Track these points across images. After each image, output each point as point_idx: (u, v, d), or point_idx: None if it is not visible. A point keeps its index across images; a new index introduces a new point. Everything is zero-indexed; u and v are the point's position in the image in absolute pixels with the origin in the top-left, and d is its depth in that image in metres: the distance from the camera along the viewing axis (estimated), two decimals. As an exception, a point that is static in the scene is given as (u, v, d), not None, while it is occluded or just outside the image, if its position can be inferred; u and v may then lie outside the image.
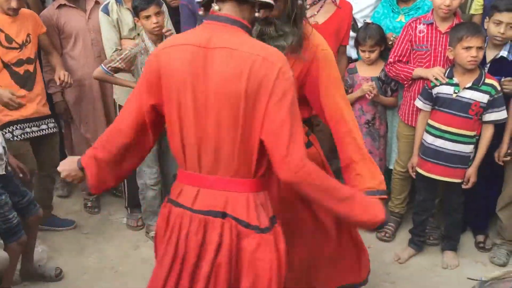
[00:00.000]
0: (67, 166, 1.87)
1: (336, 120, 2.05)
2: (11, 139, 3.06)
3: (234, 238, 1.65)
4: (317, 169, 1.65)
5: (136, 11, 3.09)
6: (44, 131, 3.27)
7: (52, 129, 3.34)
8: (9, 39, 3.07)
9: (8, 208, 2.62)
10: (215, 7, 1.64)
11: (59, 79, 3.25)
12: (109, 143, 1.83)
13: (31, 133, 3.21)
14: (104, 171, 1.83)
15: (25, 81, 3.16)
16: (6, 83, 3.07)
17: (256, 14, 1.68)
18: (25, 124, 3.16)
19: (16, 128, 3.13)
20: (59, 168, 1.87)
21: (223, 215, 1.66)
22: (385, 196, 2.01)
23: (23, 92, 3.13)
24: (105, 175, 1.84)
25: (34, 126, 3.22)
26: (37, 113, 3.22)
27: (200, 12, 1.74)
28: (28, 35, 3.17)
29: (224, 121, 1.60)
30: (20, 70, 3.13)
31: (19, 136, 3.14)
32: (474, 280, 2.84)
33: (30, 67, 3.19)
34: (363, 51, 3.33)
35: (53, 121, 3.36)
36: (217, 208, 1.66)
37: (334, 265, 2.32)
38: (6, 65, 3.08)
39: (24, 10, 3.22)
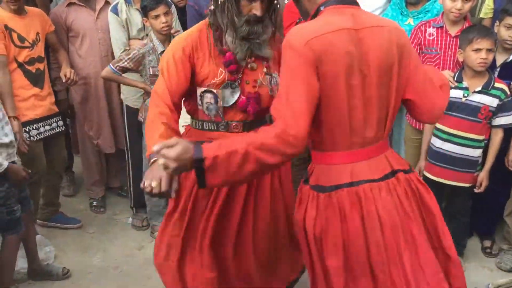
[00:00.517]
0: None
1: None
2: (27, 139, 3.07)
3: (410, 186, 1.81)
4: None
5: (145, 11, 3.10)
6: (54, 129, 3.31)
7: (61, 127, 3.37)
8: (21, 38, 3.09)
9: (15, 199, 2.65)
10: None
11: (65, 76, 3.26)
12: None
13: (44, 133, 3.24)
14: None
15: (37, 80, 3.19)
16: (20, 82, 3.10)
17: None
18: (39, 123, 3.20)
19: (33, 128, 3.16)
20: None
21: (393, 172, 1.80)
22: None
23: (36, 90, 3.17)
24: None
25: (46, 125, 3.26)
26: (48, 111, 3.25)
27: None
28: (37, 33, 3.19)
29: (384, 90, 1.74)
30: (32, 68, 3.16)
31: (35, 136, 3.16)
32: (481, 288, 2.82)
33: (41, 66, 3.22)
34: None
35: (61, 118, 3.39)
36: (388, 170, 1.79)
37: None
38: (20, 64, 3.10)
39: (32, 9, 3.24)
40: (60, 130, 3.37)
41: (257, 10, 2.02)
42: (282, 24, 3.17)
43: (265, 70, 2.19)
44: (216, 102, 2.16)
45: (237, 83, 2.16)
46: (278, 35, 2.25)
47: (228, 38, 2.11)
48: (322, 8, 1.74)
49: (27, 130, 3.12)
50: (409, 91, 1.81)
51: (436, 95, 1.87)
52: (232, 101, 2.17)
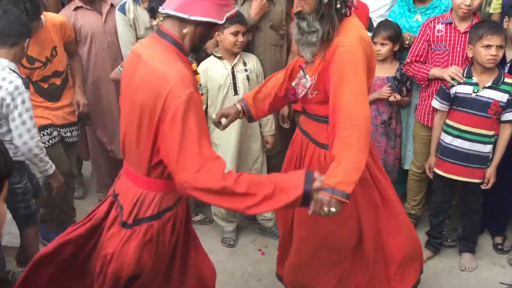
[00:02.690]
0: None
1: (332, 113, 2.04)
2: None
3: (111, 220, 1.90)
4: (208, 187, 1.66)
5: (153, 12, 3.09)
6: (70, 138, 3.29)
7: (76, 138, 3.36)
8: (31, 60, 3.00)
9: (30, 194, 2.66)
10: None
11: (78, 107, 3.28)
12: None
13: (57, 137, 3.18)
14: None
15: (50, 95, 3.14)
16: (31, 96, 2.96)
17: (184, 31, 1.78)
18: (52, 128, 3.14)
19: (43, 134, 3.08)
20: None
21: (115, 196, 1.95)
22: (341, 199, 1.85)
23: (49, 104, 3.14)
24: None
25: (62, 132, 3.23)
26: (63, 119, 3.21)
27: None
28: (53, 48, 3.09)
29: (132, 123, 1.81)
30: (45, 84, 3.11)
31: (46, 142, 3.09)
32: (505, 284, 2.81)
33: (57, 80, 3.16)
34: (375, 44, 3.23)
35: (78, 128, 3.37)
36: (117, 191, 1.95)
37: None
38: (32, 82, 3.02)
39: (52, 18, 3.11)
40: (75, 140, 3.35)
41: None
42: None
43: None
44: None
45: None
46: (335, 44, 2.19)
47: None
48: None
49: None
50: (160, 149, 1.87)
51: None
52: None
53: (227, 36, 3.03)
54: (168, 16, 1.78)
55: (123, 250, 1.84)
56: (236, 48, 3.07)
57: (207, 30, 1.81)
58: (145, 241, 1.85)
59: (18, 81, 2.47)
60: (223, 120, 2.44)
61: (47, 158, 2.66)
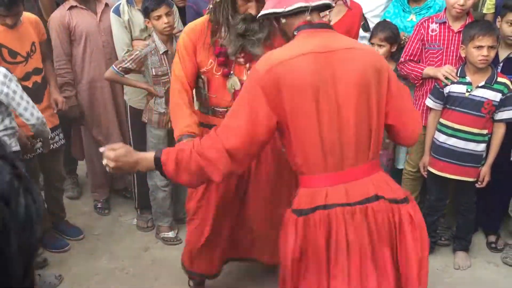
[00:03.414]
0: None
1: None
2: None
3: (391, 214, 1.76)
4: None
5: (146, 12, 3.09)
6: (56, 144, 3.21)
7: (62, 140, 3.31)
8: (12, 53, 2.93)
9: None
10: (308, 17, 1.80)
11: (56, 105, 3.23)
12: None
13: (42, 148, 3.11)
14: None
15: (35, 94, 2.99)
16: None
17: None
18: (36, 139, 3.03)
19: (38, 142, 3.01)
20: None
21: (377, 197, 1.75)
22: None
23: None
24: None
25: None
26: (49, 122, 3.07)
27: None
28: (32, 43, 3.04)
29: (363, 112, 1.74)
30: (29, 83, 3.01)
31: (29, 155, 3.01)
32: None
33: (38, 78, 3.09)
34: (372, 44, 3.25)
35: (61, 131, 3.33)
36: (369, 194, 1.74)
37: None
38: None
39: (27, 16, 3.06)
40: (62, 143, 3.29)
41: (252, 9, 2.19)
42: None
43: (247, 66, 2.34)
44: (204, 87, 2.40)
45: (231, 79, 2.36)
46: (279, 39, 2.21)
47: (223, 34, 2.29)
48: (295, 33, 1.82)
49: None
50: (390, 117, 1.84)
51: (413, 120, 1.93)
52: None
53: (154, 23, 3.10)
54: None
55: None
56: (166, 31, 3.08)
57: None
58: None
59: (2, 69, 2.48)
60: None
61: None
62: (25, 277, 0.60)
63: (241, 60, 2.33)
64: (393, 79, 1.83)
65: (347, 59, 1.73)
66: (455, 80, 2.94)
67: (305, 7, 1.78)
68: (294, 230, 1.76)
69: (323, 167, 1.75)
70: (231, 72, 2.34)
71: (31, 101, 2.64)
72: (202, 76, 2.38)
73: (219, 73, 2.34)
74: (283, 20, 1.85)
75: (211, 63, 2.34)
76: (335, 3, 3.00)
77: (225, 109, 2.33)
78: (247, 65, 2.33)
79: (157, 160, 1.82)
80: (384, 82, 1.78)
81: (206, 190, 2.46)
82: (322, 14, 1.98)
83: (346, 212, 1.71)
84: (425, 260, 1.80)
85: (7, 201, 0.57)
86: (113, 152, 1.83)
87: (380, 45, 3.23)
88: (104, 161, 1.87)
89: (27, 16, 3.09)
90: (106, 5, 3.49)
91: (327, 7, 1.89)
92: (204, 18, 2.38)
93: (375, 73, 1.75)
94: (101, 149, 1.88)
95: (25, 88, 2.97)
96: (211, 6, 2.30)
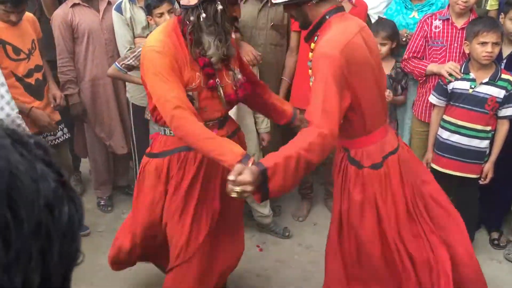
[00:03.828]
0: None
1: None
2: None
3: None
4: None
5: (149, 9, 3.09)
6: (59, 138, 3.26)
7: (66, 135, 3.34)
8: (16, 50, 2.96)
9: None
10: (338, 2, 2.06)
11: (55, 100, 3.23)
12: None
13: (49, 143, 3.18)
14: None
15: (37, 91, 3.06)
16: (21, 98, 2.97)
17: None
18: (42, 135, 3.09)
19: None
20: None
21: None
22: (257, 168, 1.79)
23: (38, 103, 3.09)
24: None
25: (50, 135, 3.21)
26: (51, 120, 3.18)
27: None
28: (32, 41, 3.06)
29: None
30: (32, 80, 3.05)
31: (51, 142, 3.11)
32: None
33: (39, 75, 3.10)
34: None
35: (64, 126, 3.35)
36: (396, 143, 2.18)
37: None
38: (19, 78, 2.97)
39: (25, 15, 3.06)
40: (66, 137, 3.32)
41: (238, 13, 2.16)
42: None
43: (226, 68, 2.24)
44: (194, 104, 2.15)
45: (220, 87, 2.21)
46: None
47: (206, 39, 2.08)
48: (327, 17, 1.96)
49: None
50: None
51: None
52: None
53: (156, 20, 3.06)
54: None
55: None
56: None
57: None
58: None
59: None
60: None
61: (24, 124, 2.73)
62: (62, 287, 0.59)
63: (220, 65, 2.20)
64: None
65: (370, 34, 2.06)
66: (459, 77, 2.93)
67: None
68: (378, 183, 2.12)
69: (382, 121, 2.15)
70: (217, 80, 2.19)
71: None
72: (190, 93, 2.15)
73: (205, 86, 2.18)
74: (314, 3, 1.95)
75: (199, 76, 2.15)
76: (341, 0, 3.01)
77: (216, 121, 2.26)
78: (224, 68, 2.23)
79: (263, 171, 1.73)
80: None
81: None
82: None
83: (393, 158, 2.14)
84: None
85: (51, 209, 0.56)
86: (247, 175, 1.71)
87: (382, 44, 3.23)
88: (238, 188, 1.73)
89: (25, 14, 3.09)
90: (109, 3, 3.48)
91: None
92: (166, 32, 2.12)
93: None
94: (231, 178, 1.71)
95: (28, 85, 3.02)
96: (191, 17, 2.06)
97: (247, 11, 3.14)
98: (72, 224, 0.59)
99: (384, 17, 3.35)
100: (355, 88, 1.93)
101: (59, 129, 3.26)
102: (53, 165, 0.60)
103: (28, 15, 3.13)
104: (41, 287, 0.55)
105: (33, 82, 3.06)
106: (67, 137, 3.35)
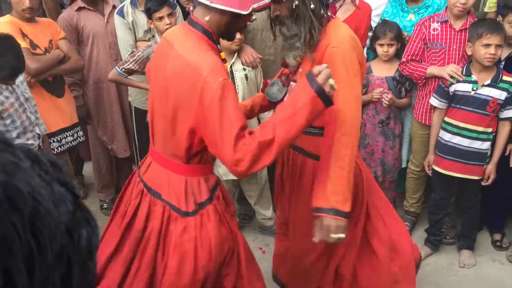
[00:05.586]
0: None
1: (328, 121, 1.95)
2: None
3: (165, 220, 1.83)
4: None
5: (149, 13, 3.10)
6: (76, 140, 3.34)
7: (81, 138, 3.41)
8: (33, 45, 3.08)
9: None
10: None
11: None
12: None
13: (66, 144, 3.24)
14: None
15: (54, 88, 3.19)
16: (36, 92, 3.05)
17: (206, 18, 1.79)
18: (62, 135, 3.19)
19: (54, 141, 3.15)
20: None
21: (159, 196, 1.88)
22: (343, 219, 1.85)
23: (55, 99, 3.17)
24: None
25: (69, 136, 3.27)
26: (70, 121, 3.28)
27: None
28: (50, 41, 3.19)
29: (166, 114, 1.79)
30: (49, 77, 3.16)
31: (56, 149, 3.16)
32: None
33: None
34: (381, 45, 3.24)
35: (80, 129, 3.42)
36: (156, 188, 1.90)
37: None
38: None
39: (42, 19, 3.24)
40: (81, 140, 3.40)
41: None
42: None
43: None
44: None
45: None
46: (324, 45, 2.16)
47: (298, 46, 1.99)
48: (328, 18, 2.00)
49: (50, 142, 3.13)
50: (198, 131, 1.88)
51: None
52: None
53: (156, 24, 3.08)
54: (199, 3, 1.78)
55: (203, 235, 1.79)
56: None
57: (233, 19, 1.78)
58: (218, 219, 1.84)
59: None
60: None
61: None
62: None
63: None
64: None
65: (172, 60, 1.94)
66: (461, 79, 2.93)
67: None
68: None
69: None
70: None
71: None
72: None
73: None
74: (322, 7, 1.95)
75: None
76: (344, 1, 3.02)
77: None
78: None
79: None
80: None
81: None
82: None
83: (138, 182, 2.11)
84: None
85: (71, 233, 0.55)
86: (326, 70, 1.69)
87: (390, 44, 3.24)
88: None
89: (40, 19, 3.26)
90: (114, 7, 3.51)
91: None
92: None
93: (181, 84, 1.90)
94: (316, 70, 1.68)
95: (45, 82, 3.14)
96: (287, 18, 1.97)
97: (257, 14, 3.14)
98: (90, 247, 0.58)
99: (387, 19, 3.35)
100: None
101: (76, 131, 3.34)
102: (67, 184, 0.58)
103: (45, 19, 3.33)
104: None
105: (49, 79, 3.17)
106: (82, 140, 3.42)
